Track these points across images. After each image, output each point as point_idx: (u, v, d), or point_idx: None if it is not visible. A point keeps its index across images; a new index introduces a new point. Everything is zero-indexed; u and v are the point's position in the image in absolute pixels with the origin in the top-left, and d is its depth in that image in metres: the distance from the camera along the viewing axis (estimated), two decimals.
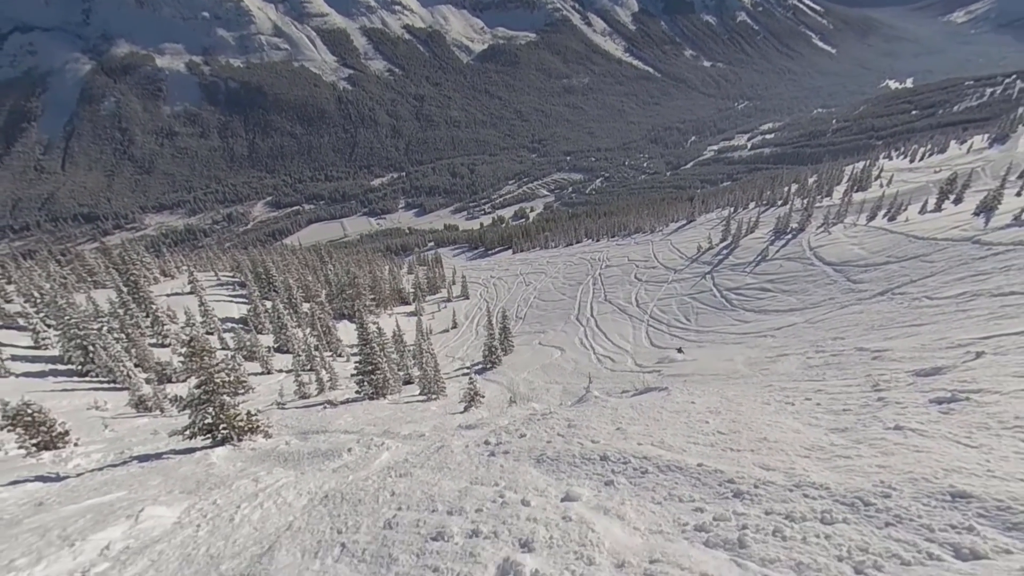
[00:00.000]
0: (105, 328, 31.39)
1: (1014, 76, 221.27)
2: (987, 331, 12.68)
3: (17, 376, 27.13)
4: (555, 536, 4.76)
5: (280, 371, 36.52)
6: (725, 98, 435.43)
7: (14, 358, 29.09)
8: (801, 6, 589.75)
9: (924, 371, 9.32)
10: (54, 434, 14.27)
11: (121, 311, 34.19)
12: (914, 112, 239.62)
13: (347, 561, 5.26)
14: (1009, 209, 33.24)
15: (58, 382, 27.47)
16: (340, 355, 44.46)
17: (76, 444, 14.78)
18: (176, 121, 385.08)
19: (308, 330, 46.26)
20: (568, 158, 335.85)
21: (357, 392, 27.63)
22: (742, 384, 13.12)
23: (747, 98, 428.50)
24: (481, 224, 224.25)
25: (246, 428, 13.64)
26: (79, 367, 29.33)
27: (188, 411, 13.16)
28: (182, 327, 39.43)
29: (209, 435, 13.26)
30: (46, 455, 13.66)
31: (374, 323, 31.40)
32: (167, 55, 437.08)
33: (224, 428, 13.23)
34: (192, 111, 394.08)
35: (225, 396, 13.21)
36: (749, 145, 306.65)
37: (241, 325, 44.53)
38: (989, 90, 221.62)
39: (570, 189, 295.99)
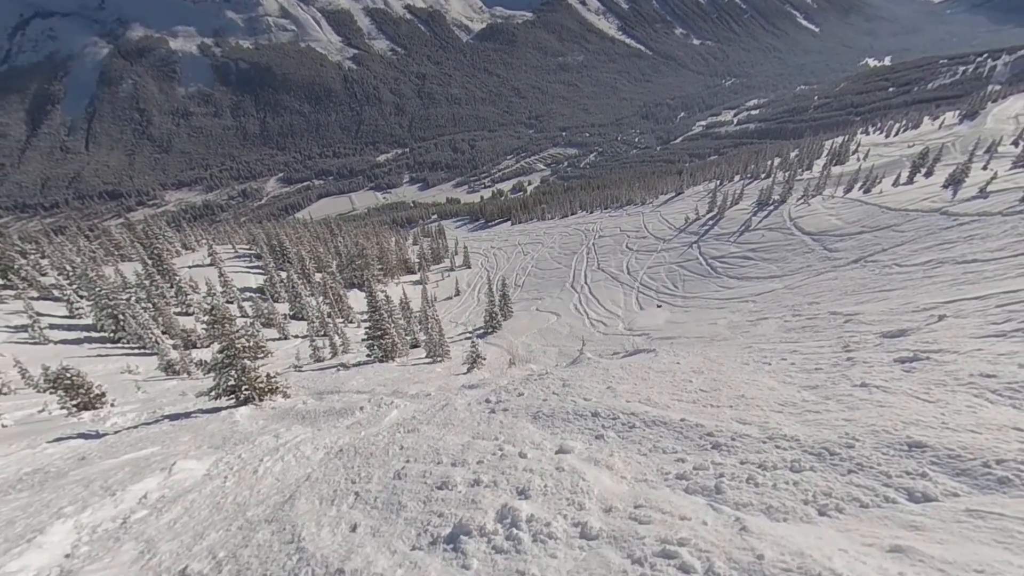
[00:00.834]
0: (133, 298, 31.40)
1: (985, 55, 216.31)
2: (950, 296, 12.73)
3: (55, 343, 27.29)
4: (549, 485, 4.82)
5: (296, 337, 36.67)
6: (713, 75, 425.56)
7: (52, 327, 29.20)
8: None
9: (890, 333, 9.40)
10: (92, 396, 14.45)
11: (147, 282, 34.17)
12: (891, 89, 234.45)
13: (361, 508, 5.34)
14: (975, 182, 32.95)
15: (93, 348, 27.63)
16: (351, 321, 44.60)
17: (112, 405, 14.97)
18: (191, 101, 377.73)
19: (321, 298, 46.30)
20: (563, 134, 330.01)
21: (367, 355, 27.78)
22: (724, 346, 13.21)
23: (734, 75, 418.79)
24: (481, 197, 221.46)
25: (266, 389, 13.78)
26: (111, 334, 29.46)
27: (213, 374, 13.30)
28: (204, 297, 39.47)
29: (232, 396, 13.41)
30: (86, 415, 13.85)
31: (382, 291, 31.39)
32: (180, 37, 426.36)
33: (246, 389, 13.36)
34: (205, 91, 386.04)
35: (246, 360, 13.31)
36: (735, 121, 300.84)
37: (258, 294, 44.57)
38: (962, 68, 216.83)
39: (565, 163, 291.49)
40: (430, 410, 10.07)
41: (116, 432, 11.27)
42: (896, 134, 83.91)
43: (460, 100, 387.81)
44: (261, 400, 13.52)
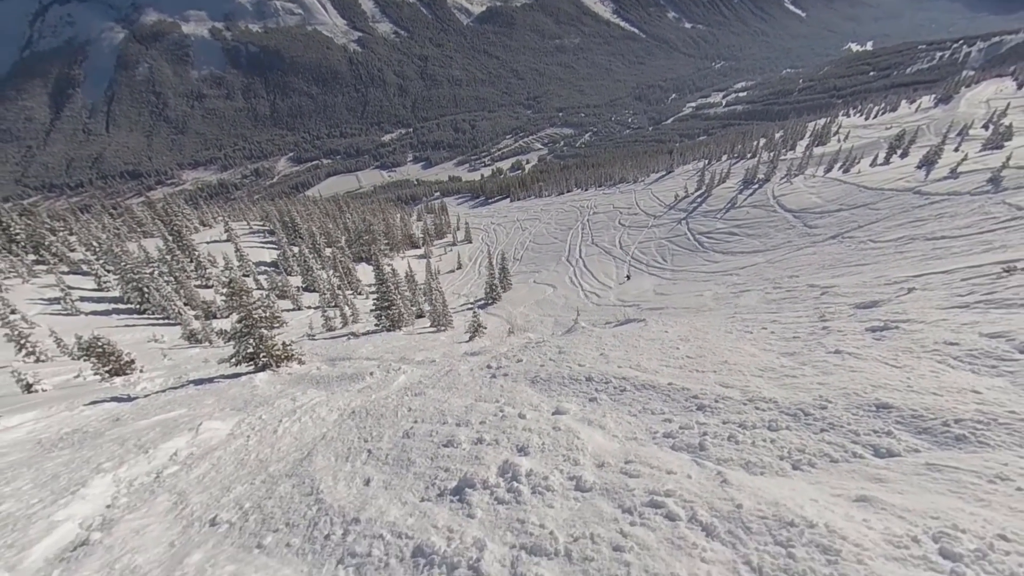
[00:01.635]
0: (156, 272, 31.41)
1: (961, 42, 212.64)
2: (919, 270, 12.77)
3: (86, 314, 27.38)
4: (547, 443, 4.88)
5: (308, 307, 36.72)
6: (704, 58, 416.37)
7: (82, 299, 29.27)
8: None
9: (863, 304, 9.45)
10: (122, 362, 14.55)
11: (168, 257, 34.10)
12: (872, 73, 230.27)
13: (373, 463, 5.41)
14: (947, 163, 32.64)
15: (121, 319, 27.72)
16: (360, 293, 44.63)
17: (141, 371, 15.08)
18: (203, 84, 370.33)
19: (331, 272, 46.23)
20: (560, 114, 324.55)
21: (376, 325, 27.86)
22: (709, 316, 13.24)
23: (724, 58, 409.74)
24: (482, 175, 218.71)
25: (282, 356, 13.81)
26: (137, 306, 29.55)
27: (232, 342, 13.33)
28: (222, 270, 39.38)
29: (251, 362, 13.47)
30: (117, 380, 13.95)
31: (389, 265, 31.32)
32: (191, 22, 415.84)
33: (264, 356, 13.41)
34: (217, 74, 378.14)
35: (263, 329, 13.33)
36: (724, 103, 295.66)
37: (273, 268, 44.51)
38: (939, 54, 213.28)
39: (562, 143, 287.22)
40: (435, 375, 10.04)
41: (146, 396, 11.35)
42: (875, 117, 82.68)
43: (461, 81, 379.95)
44: (278, 366, 13.56)
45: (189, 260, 38.39)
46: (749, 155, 71.22)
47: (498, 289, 39.85)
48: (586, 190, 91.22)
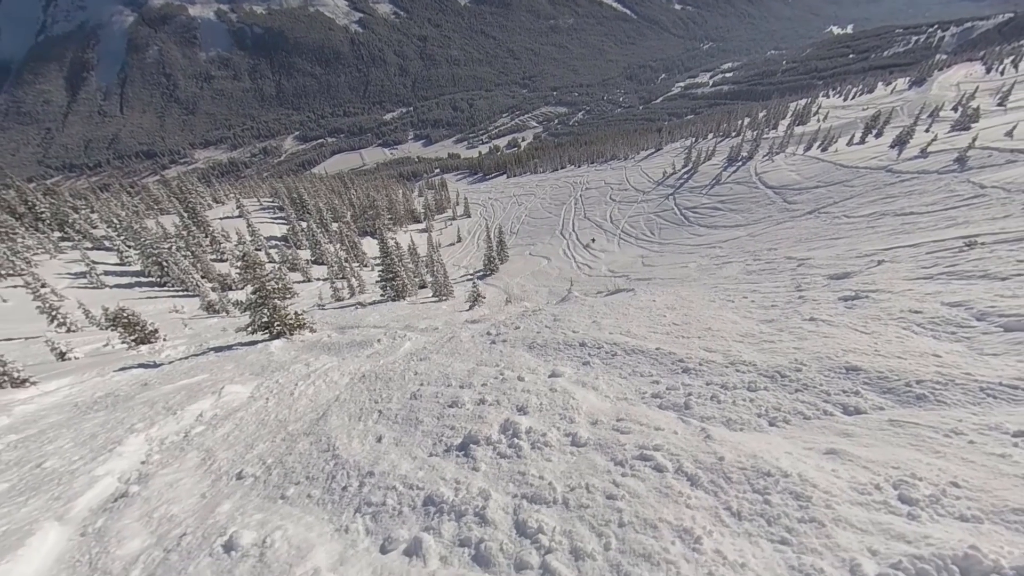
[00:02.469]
0: (174, 247, 31.14)
1: (935, 26, 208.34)
2: (888, 244, 12.77)
3: (111, 287, 27.29)
4: (544, 403, 4.95)
5: (318, 279, 36.60)
6: (692, 39, 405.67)
7: (106, 273, 29.11)
8: None
9: (836, 275, 9.50)
10: (147, 332, 14.57)
11: (185, 233, 33.77)
12: (851, 56, 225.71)
13: (384, 423, 5.48)
14: (918, 143, 32.31)
15: (143, 291, 27.62)
16: (365, 265, 44.45)
17: (165, 339, 15.11)
18: (211, 66, 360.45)
19: (338, 245, 45.92)
20: (554, 93, 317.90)
21: (381, 295, 27.87)
22: (694, 286, 13.27)
23: (712, 39, 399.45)
24: (480, 152, 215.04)
25: (295, 325, 13.82)
26: (158, 279, 29.42)
27: (248, 312, 13.32)
28: (236, 245, 39.08)
29: (266, 331, 13.48)
30: (143, 348, 13.98)
31: (392, 238, 31.12)
32: (198, 4, 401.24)
33: (278, 325, 13.42)
34: (224, 56, 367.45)
35: (276, 300, 13.28)
36: (711, 83, 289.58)
37: (283, 242, 44.17)
38: (915, 38, 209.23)
39: (556, 121, 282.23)
40: (438, 342, 10.02)
41: (170, 362, 11.38)
42: (853, 98, 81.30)
43: (459, 61, 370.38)
44: (291, 334, 13.58)
45: (204, 235, 38.00)
46: (734, 134, 70.19)
47: (496, 261, 39.76)
48: (579, 167, 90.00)
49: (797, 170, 38.46)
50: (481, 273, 39.64)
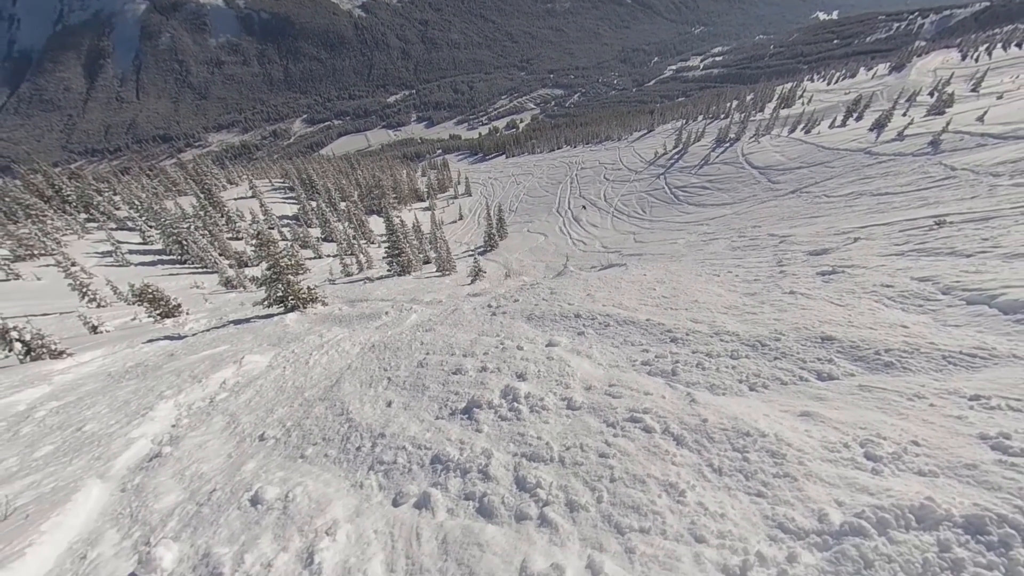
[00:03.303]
0: (192, 227, 30.94)
1: (916, 13, 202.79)
2: (864, 222, 12.74)
3: (136, 265, 27.23)
4: (542, 370, 4.98)
5: (328, 256, 36.46)
6: (684, 23, 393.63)
7: (130, 252, 29.03)
8: None
9: (815, 251, 9.50)
10: (170, 306, 14.57)
11: (202, 213, 33.45)
12: (835, 41, 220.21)
13: (393, 389, 5.53)
14: (895, 127, 31.91)
15: (165, 269, 27.54)
16: (372, 242, 44.21)
17: (187, 313, 15.12)
18: (221, 51, 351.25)
19: (346, 223, 45.58)
20: (551, 76, 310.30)
21: (388, 270, 27.87)
22: (682, 261, 13.27)
23: (703, 23, 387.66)
24: (479, 133, 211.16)
25: (308, 299, 13.84)
26: (178, 257, 29.33)
27: (264, 287, 13.34)
28: (250, 224, 38.76)
29: (281, 304, 13.50)
30: (168, 321, 14.03)
31: (397, 217, 30.86)
32: None
33: (292, 299, 13.43)
34: (233, 42, 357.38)
35: (289, 276, 13.27)
36: (701, 66, 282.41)
37: (294, 220, 43.79)
38: (896, 24, 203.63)
39: (553, 103, 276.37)
40: (442, 314, 10.00)
41: (193, 334, 11.42)
42: (836, 82, 79.64)
43: (459, 45, 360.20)
44: (305, 308, 13.59)
45: (220, 215, 37.65)
46: (723, 116, 69.02)
47: (496, 238, 39.60)
48: (575, 147, 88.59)
49: (781, 151, 37.97)
50: (482, 249, 39.52)
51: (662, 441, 3.24)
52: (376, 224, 50.58)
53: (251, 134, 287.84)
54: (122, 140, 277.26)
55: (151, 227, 31.86)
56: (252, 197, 47.43)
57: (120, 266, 26.51)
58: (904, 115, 37.10)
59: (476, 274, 22.86)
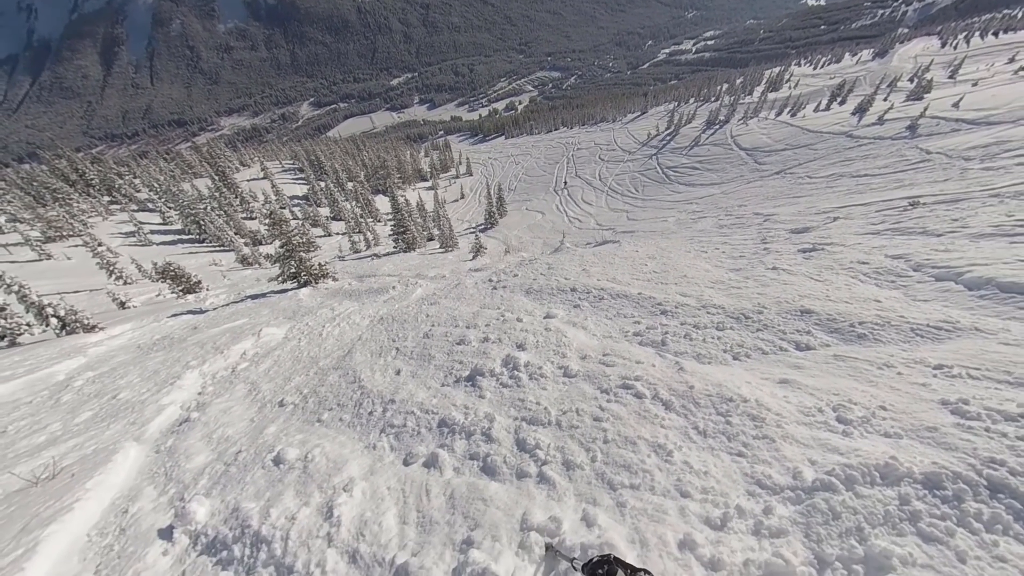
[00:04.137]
0: (209, 207, 30.66)
1: (900, 1, 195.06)
2: (844, 202, 12.65)
3: (157, 244, 27.16)
4: (540, 340, 5.01)
5: (337, 234, 36.22)
6: (678, 7, 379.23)
7: (152, 232, 28.87)
8: None
9: (797, 230, 9.45)
10: (192, 283, 14.61)
11: (217, 194, 33.08)
12: (823, 27, 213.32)
13: (401, 358, 5.56)
14: (876, 111, 31.33)
15: (185, 247, 27.43)
16: (379, 220, 43.86)
17: (208, 289, 15.17)
18: (230, 37, 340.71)
19: (354, 203, 45.09)
20: (549, 58, 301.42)
21: (394, 247, 27.75)
22: (672, 238, 13.21)
23: (695, 8, 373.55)
24: (480, 115, 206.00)
25: (319, 274, 13.85)
26: (197, 236, 29.19)
27: (277, 264, 13.32)
28: (263, 204, 38.36)
29: (294, 280, 13.53)
30: (190, 297, 14.09)
31: (402, 196, 30.58)
32: None
33: (304, 275, 13.45)
34: (241, 27, 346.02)
35: (301, 253, 13.26)
36: (694, 50, 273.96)
37: (304, 200, 43.36)
38: (881, 11, 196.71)
39: (550, 85, 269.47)
40: (446, 288, 9.93)
41: (214, 309, 11.47)
42: (822, 67, 77.64)
43: (460, 28, 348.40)
44: (316, 283, 13.60)
45: (234, 196, 37.23)
46: (713, 99, 67.44)
47: (495, 215, 39.31)
48: (571, 128, 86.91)
49: (768, 133, 37.30)
50: (483, 226, 39.28)
51: (652, 406, 3.30)
52: (382, 203, 50.09)
53: (261, 117, 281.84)
54: (139, 125, 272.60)
55: (170, 208, 31.56)
56: (264, 178, 46.83)
57: (143, 245, 26.41)
58: (885, 100, 36.40)
59: (477, 250, 22.79)
